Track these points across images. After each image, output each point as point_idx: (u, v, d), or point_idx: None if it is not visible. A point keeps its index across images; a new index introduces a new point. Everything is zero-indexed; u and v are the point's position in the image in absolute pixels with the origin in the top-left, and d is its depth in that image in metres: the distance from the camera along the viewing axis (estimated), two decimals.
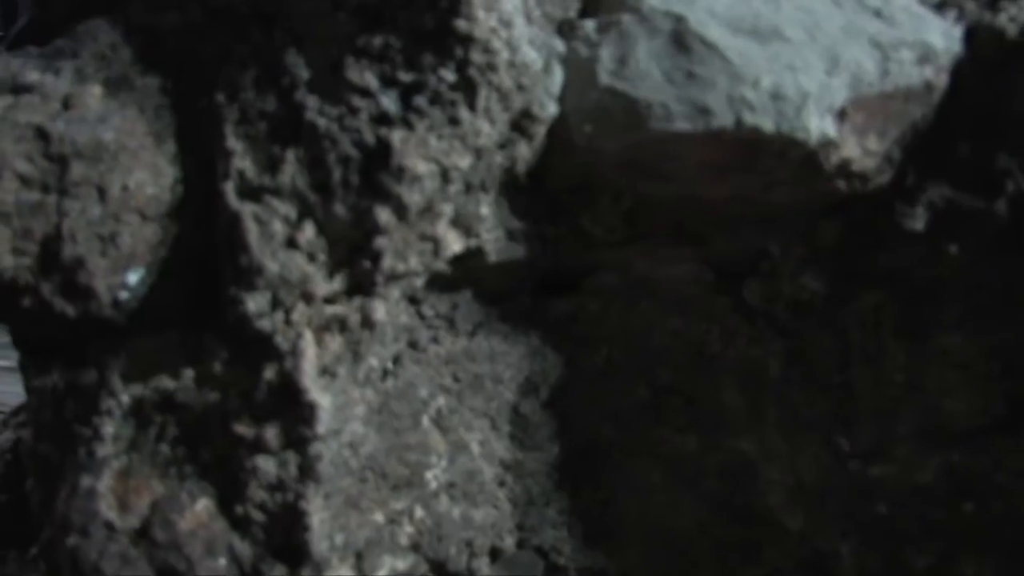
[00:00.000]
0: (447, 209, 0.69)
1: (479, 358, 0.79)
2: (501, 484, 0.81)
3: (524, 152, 0.71)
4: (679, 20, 0.71)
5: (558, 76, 0.71)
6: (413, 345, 0.76)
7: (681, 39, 0.70)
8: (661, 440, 0.85)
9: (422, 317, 0.76)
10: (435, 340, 0.77)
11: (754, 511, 0.85)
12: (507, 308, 0.80)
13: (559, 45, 0.72)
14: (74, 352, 0.80)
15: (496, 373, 0.80)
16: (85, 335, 0.78)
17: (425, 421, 0.76)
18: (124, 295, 0.76)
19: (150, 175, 0.75)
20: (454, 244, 0.70)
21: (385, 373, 0.75)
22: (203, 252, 0.76)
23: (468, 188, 0.70)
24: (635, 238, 0.78)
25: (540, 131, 0.70)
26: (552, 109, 0.70)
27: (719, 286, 0.81)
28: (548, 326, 0.82)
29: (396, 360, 0.75)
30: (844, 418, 0.79)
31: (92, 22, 0.78)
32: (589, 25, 0.73)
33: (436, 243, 0.69)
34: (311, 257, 0.70)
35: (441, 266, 0.71)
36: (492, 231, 0.72)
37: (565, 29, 0.74)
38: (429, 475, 0.76)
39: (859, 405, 0.78)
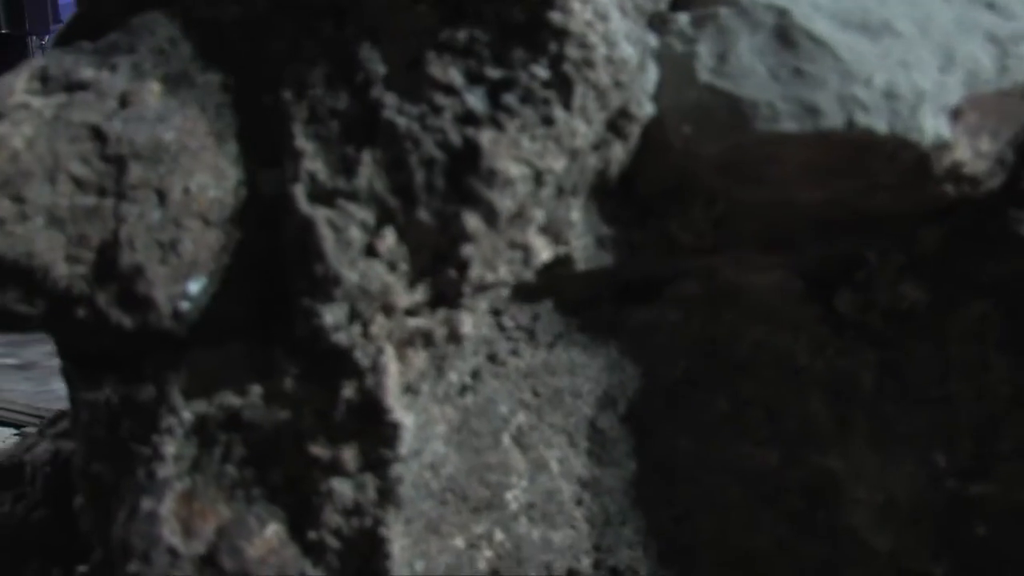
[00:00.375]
0: (538, 215, 0.63)
1: (559, 371, 0.73)
2: (579, 503, 0.76)
3: (618, 154, 0.65)
4: (783, 14, 0.65)
5: (653, 73, 0.66)
6: (492, 358, 0.70)
7: (786, 34, 0.65)
8: (740, 455, 0.80)
9: (502, 328, 0.70)
10: (515, 353, 0.71)
11: (838, 530, 0.80)
12: (587, 318, 0.74)
13: (652, 40, 0.67)
14: (129, 365, 0.74)
15: (575, 387, 0.74)
16: (141, 348, 0.72)
17: (505, 439, 0.70)
18: (185, 306, 0.70)
19: (212, 177, 0.69)
20: (543, 252, 0.64)
21: (464, 388, 0.69)
22: (269, 260, 0.70)
23: (560, 192, 0.64)
24: (723, 245, 0.72)
25: (636, 131, 0.65)
26: (649, 108, 0.64)
27: (808, 295, 0.75)
28: (627, 336, 0.77)
29: (475, 375, 0.69)
30: (942, 434, 0.74)
31: (149, 15, 0.72)
32: (683, 19, 0.68)
33: (526, 251, 0.64)
34: (392, 266, 0.64)
35: (529, 276, 0.65)
36: (581, 238, 0.67)
37: (657, 23, 0.68)
38: (509, 496, 0.71)
39: (959, 420, 0.73)
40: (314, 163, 0.67)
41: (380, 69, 0.66)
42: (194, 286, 0.70)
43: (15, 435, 4.00)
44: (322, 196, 0.66)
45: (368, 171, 0.65)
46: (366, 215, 0.65)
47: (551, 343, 0.73)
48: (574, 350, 0.74)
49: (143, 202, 0.68)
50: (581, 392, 0.75)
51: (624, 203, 0.69)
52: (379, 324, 0.64)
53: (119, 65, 0.70)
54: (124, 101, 0.70)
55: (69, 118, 0.69)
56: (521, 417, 0.71)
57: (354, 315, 0.63)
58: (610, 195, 0.68)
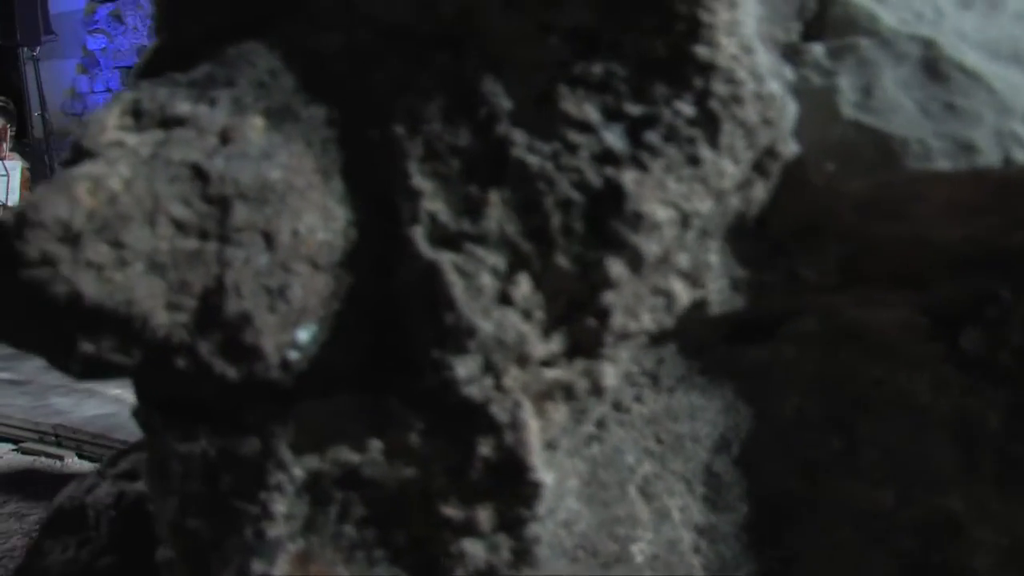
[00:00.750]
0: (682, 259, 0.59)
1: (680, 416, 0.69)
2: (696, 551, 0.72)
3: (759, 194, 0.61)
4: (929, 45, 0.61)
5: (792, 108, 0.62)
6: (617, 406, 0.66)
7: (934, 66, 0.61)
8: (853, 495, 0.76)
9: (627, 374, 0.66)
10: (639, 399, 0.67)
11: (956, 572, 0.76)
12: (706, 359, 0.70)
13: (788, 72, 0.63)
14: (225, 415, 0.68)
15: (695, 431, 0.70)
16: (240, 397, 0.67)
17: (632, 490, 0.66)
18: (294, 355, 0.64)
19: (321, 218, 0.64)
20: (684, 297, 0.60)
21: (590, 438, 0.65)
22: (381, 305, 0.65)
23: (702, 235, 0.60)
24: (848, 282, 0.68)
25: (778, 170, 0.61)
26: (794, 146, 0.60)
27: (932, 333, 0.72)
28: (741, 376, 0.73)
29: (601, 423, 0.65)
30: None
31: (246, 45, 0.67)
32: (819, 50, 0.64)
33: (668, 297, 0.59)
34: (527, 315, 0.59)
35: (670, 323, 0.61)
36: (717, 280, 0.62)
37: (790, 54, 0.64)
38: (635, 549, 0.66)
39: None
40: (434, 203, 0.62)
41: (505, 104, 0.62)
42: (303, 334, 0.65)
43: (13, 450, 3.90)
44: (446, 239, 0.61)
45: (497, 213, 0.60)
46: (497, 260, 0.60)
47: (672, 387, 0.69)
48: (694, 393, 0.70)
49: (249, 245, 0.63)
50: (700, 436, 0.71)
51: (757, 243, 0.64)
52: (513, 376, 0.59)
53: (218, 99, 0.65)
54: (225, 137, 0.65)
55: (168, 156, 0.64)
56: (647, 466, 0.67)
57: (487, 367, 0.59)
58: (744, 235, 0.64)
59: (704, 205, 0.58)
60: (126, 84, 0.73)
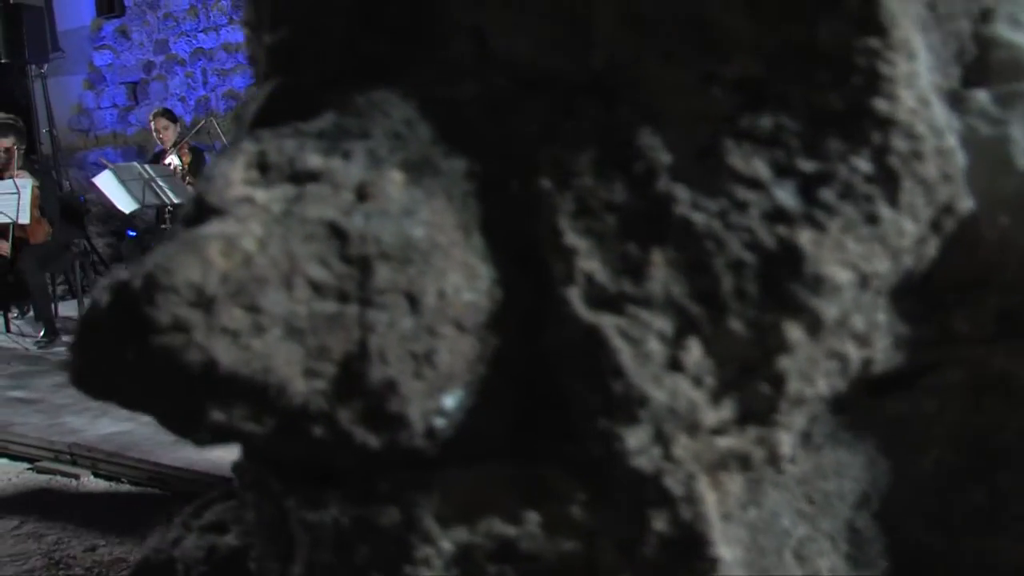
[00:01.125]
0: (858, 321, 0.55)
1: (828, 474, 0.65)
2: None
3: (931, 250, 0.57)
4: None
5: (960, 159, 0.58)
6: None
7: None
8: (996, 550, 0.73)
9: None
10: (792, 459, 0.63)
11: None
12: (850, 413, 0.66)
13: (954, 121, 0.59)
14: (357, 482, 0.64)
15: (841, 489, 0.66)
16: (378, 465, 0.62)
17: (787, 555, 0.62)
18: (439, 422, 0.60)
19: (465, 277, 0.60)
20: (856, 359, 0.56)
21: (747, 502, 0.61)
22: (528, 368, 0.61)
23: (877, 295, 0.56)
24: (1004, 334, 0.65)
25: (952, 226, 0.57)
26: (969, 202, 0.57)
27: None
28: (880, 428, 0.69)
29: (755, 485, 0.61)
30: None
31: (377, 93, 0.63)
32: (984, 97, 0.60)
33: (844, 360, 0.56)
34: (697, 381, 0.55)
35: (843, 386, 0.57)
36: (883, 339, 0.59)
37: (954, 101, 0.60)
38: None
39: None
40: (590, 263, 0.58)
41: (664, 158, 0.58)
42: (449, 400, 0.61)
43: (28, 468, 3.82)
44: (605, 301, 0.57)
45: (661, 274, 0.56)
46: (663, 324, 0.56)
47: (821, 444, 0.65)
48: (840, 450, 0.66)
49: (393, 308, 0.59)
50: (844, 493, 0.67)
51: (919, 299, 0.61)
52: (683, 445, 0.55)
53: (353, 152, 0.61)
54: (363, 193, 0.60)
55: (303, 214, 0.60)
56: (800, 529, 0.63)
57: (658, 436, 0.55)
58: (909, 292, 0.60)
59: (883, 266, 0.54)
60: (244, 135, 0.69)
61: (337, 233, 0.59)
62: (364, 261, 0.59)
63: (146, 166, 4.68)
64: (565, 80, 0.60)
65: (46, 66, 6.36)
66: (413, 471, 0.61)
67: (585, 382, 0.56)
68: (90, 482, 3.49)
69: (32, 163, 4.77)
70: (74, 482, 3.50)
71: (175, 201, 4.68)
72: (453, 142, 0.62)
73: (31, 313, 5.02)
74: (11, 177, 4.37)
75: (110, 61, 8.13)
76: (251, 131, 0.68)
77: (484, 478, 0.59)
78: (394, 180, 0.60)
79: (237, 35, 7.58)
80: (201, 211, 0.61)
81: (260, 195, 0.60)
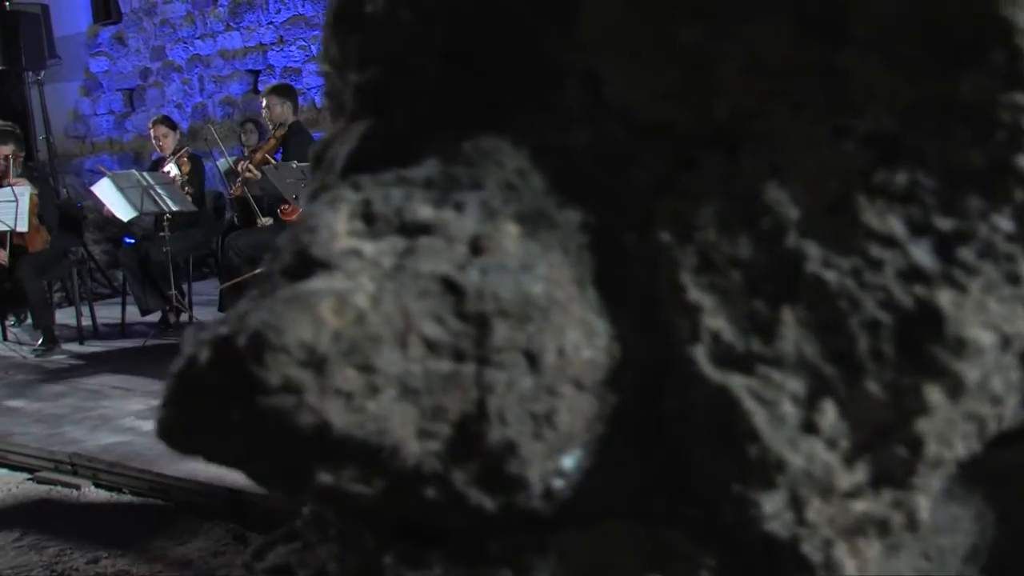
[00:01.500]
0: (997, 382, 0.53)
1: (943, 529, 0.63)
2: None
3: None
4: None
5: None
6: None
7: None
8: None
9: None
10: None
11: None
12: (964, 466, 0.64)
13: None
14: (464, 542, 0.61)
15: (954, 544, 0.64)
16: (490, 526, 0.60)
17: None
18: (558, 483, 0.57)
19: (583, 334, 0.57)
20: (992, 420, 0.54)
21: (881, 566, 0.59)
22: (645, 426, 0.59)
23: (1015, 355, 0.54)
24: None
25: None
26: None
27: None
28: (990, 480, 0.67)
29: (894, 552, 0.59)
30: None
31: (485, 140, 0.60)
32: None
33: (980, 422, 0.53)
34: (831, 444, 0.53)
35: (978, 448, 0.55)
36: (1014, 397, 0.57)
37: None
38: None
39: None
40: (716, 320, 0.56)
41: (792, 213, 0.55)
42: (568, 461, 0.58)
43: (28, 479, 3.74)
44: (734, 360, 0.55)
45: (792, 333, 0.54)
46: (796, 386, 0.54)
47: (937, 499, 0.63)
48: (954, 504, 0.64)
49: (511, 367, 0.56)
50: (956, 547, 0.65)
51: None
52: (817, 509, 0.53)
53: (466, 203, 0.58)
54: (477, 247, 0.57)
55: (416, 269, 0.57)
56: None
57: (793, 501, 0.53)
58: None
59: None
60: (335, 179, 0.65)
61: (452, 289, 0.56)
62: (481, 318, 0.56)
63: (144, 174, 4.60)
64: (684, 129, 0.58)
65: (43, 73, 6.26)
66: (528, 532, 0.58)
67: (715, 444, 0.54)
68: (91, 492, 3.42)
69: (30, 170, 4.69)
70: (75, 493, 3.43)
71: (173, 209, 4.62)
72: (567, 192, 0.59)
73: (28, 321, 4.93)
74: (9, 185, 4.28)
75: (106, 68, 8.01)
76: (345, 176, 0.65)
77: (603, 540, 0.57)
78: (510, 233, 0.57)
79: (234, 42, 7.49)
80: (305, 264, 0.58)
81: (368, 248, 0.57)
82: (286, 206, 3.21)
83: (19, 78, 6.59)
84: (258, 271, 4.71)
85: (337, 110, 0.75)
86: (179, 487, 3.21)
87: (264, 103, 4.73)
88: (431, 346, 0.56)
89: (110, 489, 3.37)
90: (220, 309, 4.90)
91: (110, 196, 4.52)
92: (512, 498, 0.56)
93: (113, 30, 8.03)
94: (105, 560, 2.94)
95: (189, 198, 4.70)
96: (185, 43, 7.48)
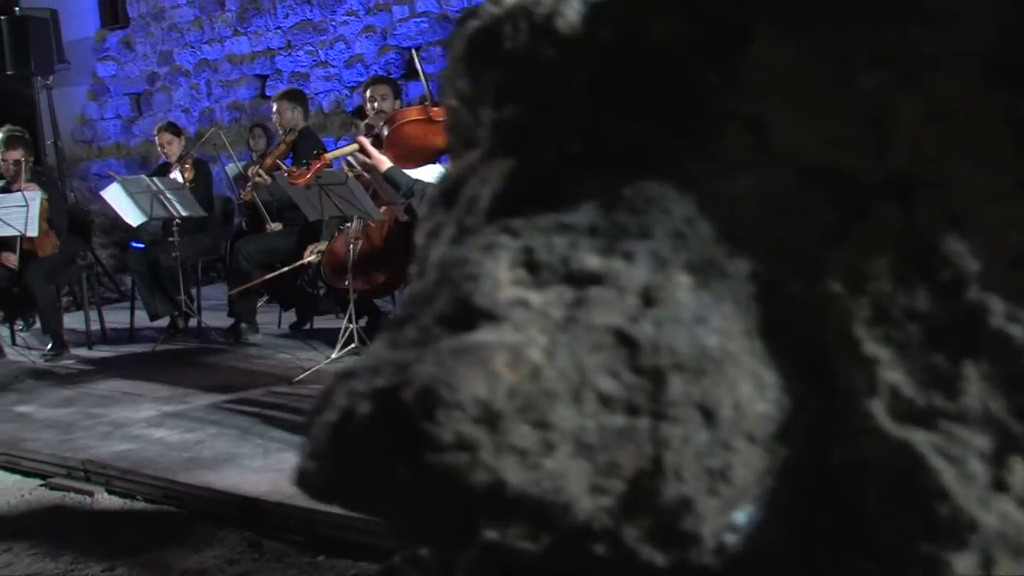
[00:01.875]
0: None
1: None
2: None
3: None
4: None
5: None
6: None
7: None
8: None
9: None
10: None
11: None
12: None
13: None
14: None
15: None
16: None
17: None
18: (730, 538, 0.56)
19: (755, 387, 0.56)
20: None
21: None
22: (816, 479, 0.57)
23: None
24: None
25: None
26: None
27: None
28: None
29: None
30: None
31: (648, 186, 0.58)
32: None
33: None
34: (1021, 502, 0.52)
35: None
36: None
37: None
38: None
39: None
40: (894, 374, 0.54)
41: (972, 265, 0.54)
42: (741, 516, 0.56)
43: (41, 485, 3.68)
44: (914, 416, 0.53)
45: (976, 389, 0.52)
46: (983, 442, 0.52)
47: None
48: None
49: (686, 422, 0.54)
50: None
51: None
52: (1007, 569, 0.51)
53: (635, 253, 0.56)
54: (649, 298, 0.55)
55: (589, 320, 0.54)
56: None
57: (985, 562, 0.51)
58: None
59: None
60: (480, 221, 0.63)
61: (626, 342, 0.54)
62: (657, 372, 0.54)
63: (154, 179, 4.55)
64: (856, 177, 0.56)
65: (51, 78, 6.17)
66: None
67: (898, 501, 0.52)
68: (104, 499, 3.37)
69: (39, 175, 4.62)
70: (88, 499, 3.37)
71: (183, 214, 4.57)
72: (733, 240, 0.57)
73: (36, 325, 4.86)
74: (19, 190, 4.22)
75: (114, 72, 7.91)
76: (492, 219, 0.63)
77: None
78: (682, 284, 0.55)
79: (241, 47, 7.42)
80: (467, 313, 0.56)
81: (535, 298, 0.55)
82: (293, 168, 3.17)
83: (28, 82, 6.49)
84: (267, 276, 4.64)
85: (462, 145, 0.73)
86: (193, 494, 3.16)
87: (274, 108, 4.68)
88: (605, 401, 0.54)
89: (123, 496, 3.31)
90: (229, 314, 4.85)
91: (120, 201, 4.46)
92: (684, 554, 0.54)
93: (121, 35, 7.93)
94: (120, 568, 2.89)
95: (198, 203, 4.64)
96: (193, 48, 7.41)
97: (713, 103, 0.59)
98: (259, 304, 5.00)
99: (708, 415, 0.54)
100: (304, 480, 0.59)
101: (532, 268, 0.57)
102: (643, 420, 0.54)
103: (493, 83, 0.66)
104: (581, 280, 0.55)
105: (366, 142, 2.63)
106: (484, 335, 0.54)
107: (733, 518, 0.55)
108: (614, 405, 0.54)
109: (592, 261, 0.56)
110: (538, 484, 0.52)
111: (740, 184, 0.58)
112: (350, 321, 4.08)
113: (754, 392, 0.55)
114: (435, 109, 2.60)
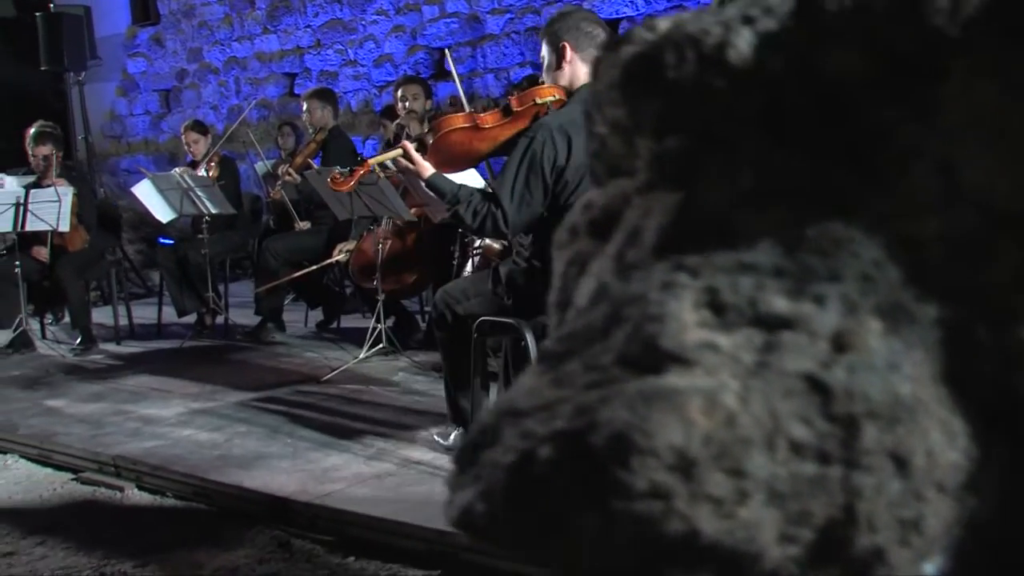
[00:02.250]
0: None
1: None
2: None
3: None
4: None
5: None
6: None
7: None
8: None
9: None
10: None
11: None
12: None
13: None
14: None
15: None
16: None
17: None
18: None
19: (945, 435, 0.54)
20: None
21: None
22: (998, 532, 0.55)
23: None
24: None
25: None
26: None
27: None
28: None
29: None
30: None
31: (834, 227, 0.56)
32: None
33: None
34: None
35: None
36: None
37: None
38: None
39: None
40: None
41: None
42: (930, 568, 0.55)
43: (72, 479, 3.68)
44: None
45: None
46: None
47: None
48: None
49: (879, 470, 0.53)
50: None
51: None
52: None
53: (826, 296, 0.54)
54: (840, 344, 0.54)
55: (781, 366, 0.53)
56: None
57: None
58: None
59: None
60: (647, 256, 0.62)
61: (818, 388, 0.53)
62: (850, 420, 0.52)
63: (184, 176, 4.55)
64: None
65: (83, 74, 6.16)
66: None
67: None
68: (135, 495, 3.36)
69: (69, 169, 4.62)
70: (119, 494, 3.37)
71: (212, 211, 4.56)
72: (920, 285, 0.56)
73: (66, 320, 4.86)
74: (50, 184, 4.22)
75: (144, 68, 7.89)
76: (661, 255, 0.61)
77: None
78: (873, 329, 0.54)
79: (271, 44, 7.40)
80: (654, 356, 0.54)
81: (723, 342, 0.54)
82: (337, 175, 3.15)
83: (58, 77, 6.49)
84: (295, 275, 4.64)
85: (606, 173, 0.72)
86: (223, 492, 3.16)
87: (304, 107, 4.67)
88: (797, 448, 0.52)
89: (153, 492, 3.31)
90: (256, 312, 4.85)
91: (150, 197, 4.46)
92: None
93: (151, 31, 7.91)
94: (153, 565, 2.88)
95: (227, 201, 4.64)
96: (222, 45, 7.39)
97: (896, 141, 0.57)
98: (286, 302, 4.99)
99: (901, 464, 0.52)
100: (469, 521, 0.58)
101: (717, 310, 0.55)
102: (835, 468, 0.52)
103: (653, 112, 0.65)
104: (770, 323, 0.54)
105: (410, 147, 2.61)
106: (675, 379, 0.52)
107: (923, 569, 0.54)
108: (806, 453, 0.52)
109: (780, 304, 0.54)
110: (732, 534, 0.51)
111: (928, 226, 0.56)
112: (378, 321, 4.07)
113: (945, 441, 0.54)
114: (481, 116, 2.59)
